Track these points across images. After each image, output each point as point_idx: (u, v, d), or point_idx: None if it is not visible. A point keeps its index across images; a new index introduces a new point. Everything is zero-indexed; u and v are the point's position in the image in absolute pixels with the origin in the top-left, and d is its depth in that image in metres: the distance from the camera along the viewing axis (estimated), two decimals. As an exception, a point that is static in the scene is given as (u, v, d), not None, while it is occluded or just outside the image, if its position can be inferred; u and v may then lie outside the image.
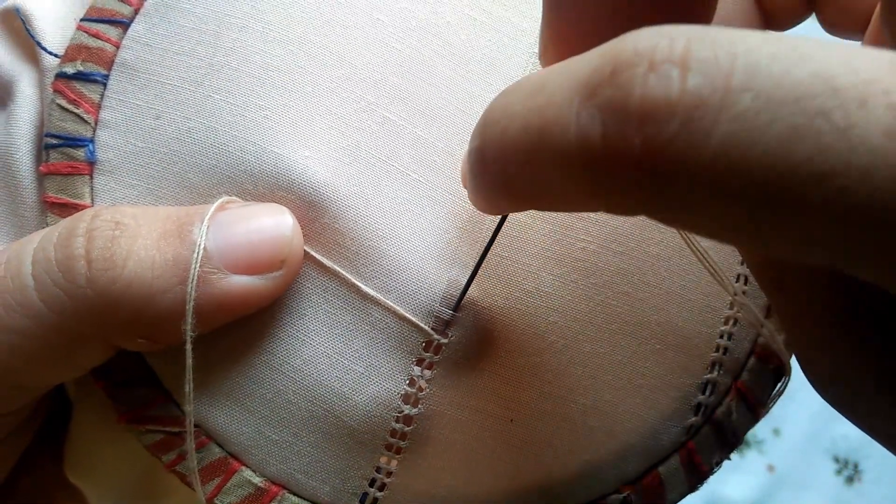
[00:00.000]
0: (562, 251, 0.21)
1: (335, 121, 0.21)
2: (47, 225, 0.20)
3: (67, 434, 0.23)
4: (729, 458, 0.22)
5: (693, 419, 0.21)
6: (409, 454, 0.20)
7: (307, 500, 0.20)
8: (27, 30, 0.21)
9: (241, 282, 0.18)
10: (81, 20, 0.21)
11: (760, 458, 0.54)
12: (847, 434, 0.55)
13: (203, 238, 0.18)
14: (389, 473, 0.20)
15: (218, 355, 0.20)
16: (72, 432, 0.23)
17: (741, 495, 0.53)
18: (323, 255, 0.20)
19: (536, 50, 0.22)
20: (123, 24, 0.21)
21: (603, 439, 0.21)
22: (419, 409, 0.20)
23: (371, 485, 0.20)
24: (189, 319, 0.18)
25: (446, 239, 0.21)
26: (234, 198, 0.20)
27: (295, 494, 0.20)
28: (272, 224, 0.19)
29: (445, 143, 0.21)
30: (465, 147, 0.21)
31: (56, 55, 0.21)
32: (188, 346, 0.18)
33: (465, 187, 0.18)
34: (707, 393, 0.22)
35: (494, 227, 0.20)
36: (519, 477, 0.20)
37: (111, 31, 0.21)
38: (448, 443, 0.20)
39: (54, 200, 0.20)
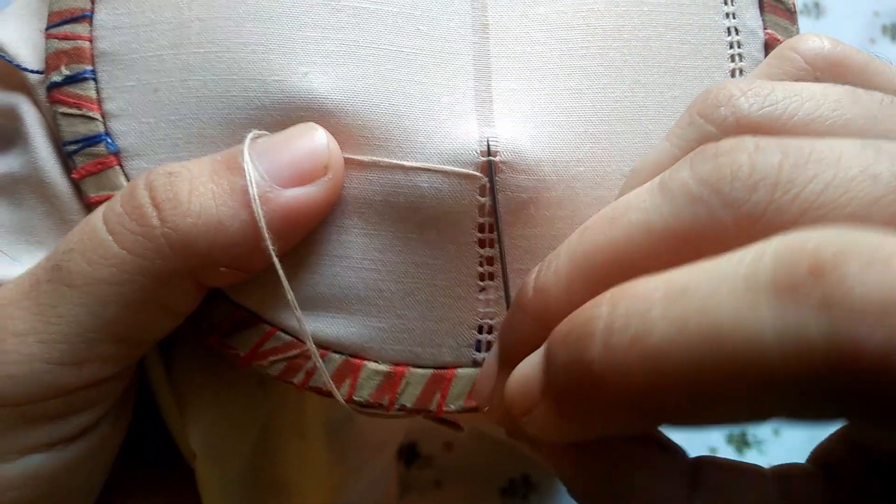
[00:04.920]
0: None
1: (313, 31, 0.21)
2: None
3: (183, 421, 0.24)
4: None
5: None
6: (498, 294, 0.21)
7: (431, 368, 0.22)
8: (5, 59, 0.22)
9: (295, 193, 0.20)
10: (47, 29, 0.22)
11: (760, 458, 0.52)
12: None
13: (249, 163, 0.19)
14: (490, 316, 0.22)
15: (299, 275, 0.21)
16: (185, 419, 0.24)
17: (743, 493, 0.53)
18: (357, 154, 0.21)
19: None
20: (87, 18, 0.22)
21: None
22: (494, 249, 0.21)
23: (480, 331, 0.22)
24: (265, 233, 0.19)
25: (463, 94, 0.21)
26: (261, 132, 0.21)
27: (419, 367, 0.22)
28: (306, 138, 0.20)
29: (423, 10, 0.22)
30: (447, 5, 0.22)
31: (38, 72, 0.22)
32: (275, 259, 0.19)
33: (492, 410, 0.19)
34: None
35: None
36: None
37: (79, 28, 0.21)
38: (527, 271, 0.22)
39: (98, 199, 0.21)
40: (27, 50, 0.22)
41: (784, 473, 0.17)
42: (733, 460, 0.17)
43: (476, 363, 0.22)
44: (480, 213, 0.21)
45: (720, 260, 0.13)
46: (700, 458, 0.17)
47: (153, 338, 0.20)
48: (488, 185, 0.21)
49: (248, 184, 0.19)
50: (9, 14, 0.23)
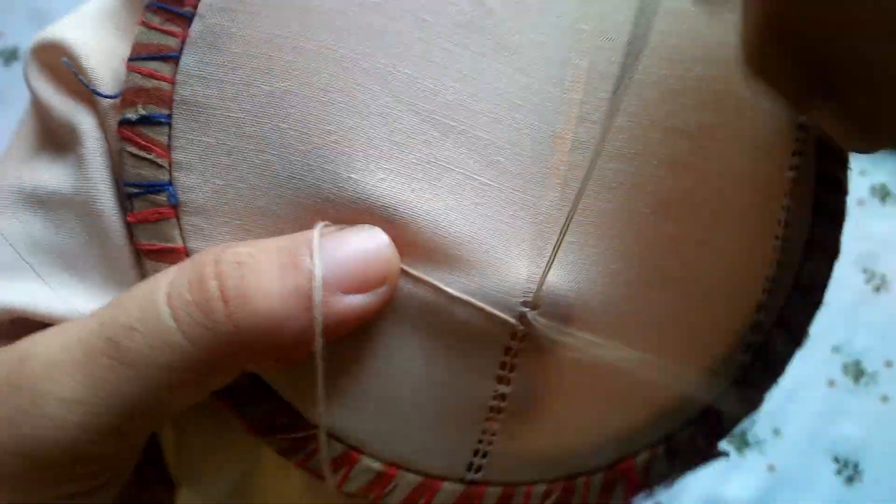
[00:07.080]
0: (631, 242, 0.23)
1: (400, 136, 0.21)
2: (142, 269, 0.22)
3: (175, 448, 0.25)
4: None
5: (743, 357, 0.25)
6: (506, 425, 0.23)
7: (422, 476, 0.23)
8: (80, 79, 0.21)
9: (354, 301, 0.20)
10: (130, 60, 0.21)
11: (760, 458, 0.54)
12: (847, 434, 0.54)
13: (319, 268, 0.20)
14: (490, 443, 0.23)
15: (329, 368, 0.22)
16: (180, 444, 0.25)
17: (741, 495, 0.53)
18: (410, 267, 0.22)
19: (582, 27, 0.22)
20: (174, 59, 0.21)
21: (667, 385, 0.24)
22: (511, 387, 0.23)
23: (475, 455, 0.23)
24: (319, 340, 0.20)
25: (521, 236, 0.22)
26: (329, 223, 0.21)
27: (411, 472, 0.23)
28: (372, 245, 0.21)
29: (504, 142, 0.22)
30: (530, 142, 0.22)
31: (111, 96, 0.21)
32: (319, 365, 0.20)
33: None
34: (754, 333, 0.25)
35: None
36: (605, 431, 0.24)
37: (164, 68, 0.21)
38: (536, 414, 0.23)
39: (149, 248, 0.21)
40: (101, 65, 0.21)
41: None
42: None
43: (464, 481, 0.23)
44: (506, 353, 0.22)
45: None
46: None
47: (186, 408, 0.21)
48: (521, 333, 0.22)
49: (314, 291, 0.19)
50: (85, 16, 0.22)
